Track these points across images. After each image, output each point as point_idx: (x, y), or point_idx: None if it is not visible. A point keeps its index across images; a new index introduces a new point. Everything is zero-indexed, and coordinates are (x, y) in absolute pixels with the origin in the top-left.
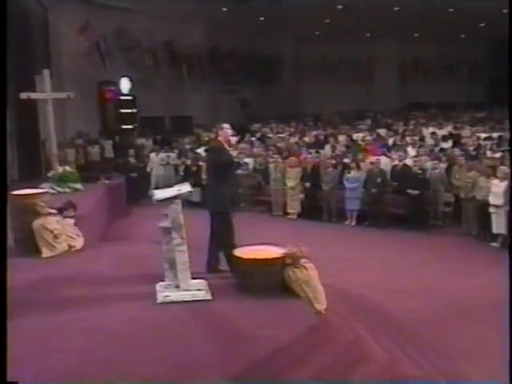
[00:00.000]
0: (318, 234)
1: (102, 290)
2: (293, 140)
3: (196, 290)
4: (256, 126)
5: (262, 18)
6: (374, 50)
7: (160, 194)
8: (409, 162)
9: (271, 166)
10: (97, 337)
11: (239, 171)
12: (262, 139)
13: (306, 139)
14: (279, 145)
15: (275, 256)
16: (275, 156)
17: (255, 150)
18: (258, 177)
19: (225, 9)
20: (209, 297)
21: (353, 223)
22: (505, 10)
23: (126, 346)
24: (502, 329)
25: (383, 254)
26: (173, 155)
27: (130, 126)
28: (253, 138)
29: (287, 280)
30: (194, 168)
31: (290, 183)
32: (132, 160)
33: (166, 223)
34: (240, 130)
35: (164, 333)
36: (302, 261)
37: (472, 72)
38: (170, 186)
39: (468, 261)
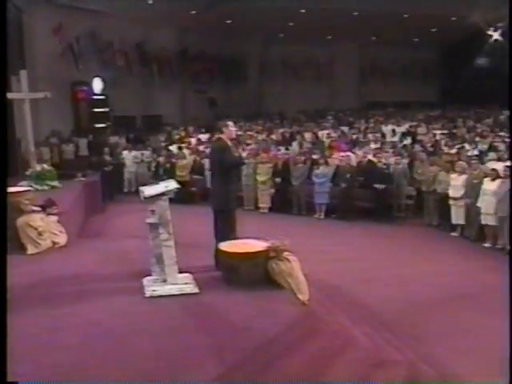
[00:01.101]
0: (289, 226)
1: (90, 286)
2: (261, 137)
3: (183, 283)
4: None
5: (229, 21)
6: (334, 52)
7: (148, 190)
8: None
9: None
10: (90, 332)
11: None
12: None
13: (274, 137)
14: (248, 142)
15: (259, 249)
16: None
17: None
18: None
19: (194, 12)
20: (196, 290)
21: (321, 216)
22: (453, 18)
23: (121, 340)
24: (474, 313)
25: (354, 246)
26: (147, 153)
27: (102, 125)
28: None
29: (271, 272)
30: (168, 165)
31: (261, 178)
32: (107, 158)
33: (153, 219)
34: (209, 128)
35: (157, 326)
36: (285, 254)
37: (425, 73)
38: (147, 183)
39: (432, 250)
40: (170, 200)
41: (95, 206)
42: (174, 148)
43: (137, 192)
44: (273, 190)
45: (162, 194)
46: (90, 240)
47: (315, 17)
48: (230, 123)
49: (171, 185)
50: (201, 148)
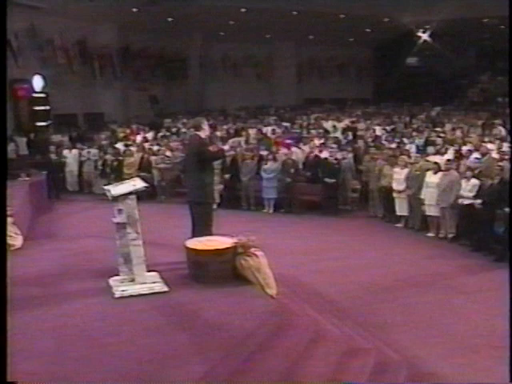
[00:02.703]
0: (238, 222)
1: (56, 288)
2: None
3: (152, 282)
4: (167, 121)
5: (170, 19)
6: (273, 50)
7: (115, 189)
8: (325, 153)
9: None
10: (64, 336)
11: (162, 165)
12: (177, 134)
13: (218, 133)
14: None
15: (228, 246)
16: None
17: (173, 144)
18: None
19: (135, 9)
20: (166, 288)
21: (270, 211)
22: (386, 19)
23: (99, 343)
24: (427, 299)
25: (304, 238)
26: (93, 151)
27: (43, 123)
28: (168, 133)
29: (239, 268)
30: (115, 163)
31: None
32: (53, 156)
33: (120, 218)
34: (153, 126)
35: (133, 327)
36: (253, 249)
37: (359, 71)
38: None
39: (380, 240)
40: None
41: (42, 206)
42: (120, 146)
43: (82, 191)
44: (221, 186)
45: (130, 192)
46: (46, 241)
47: (255, 16)
48: (206, 122)
49: (139, 183)
50: (147, 145)
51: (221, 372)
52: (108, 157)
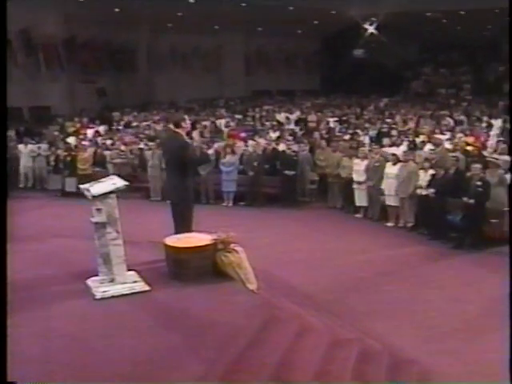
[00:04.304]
0: (198, 216)
1: (33, 292)
2: (158, 127)
3: (132, 282)
4: (116, 114)
5: (117, 10)
6: (221, 42)
7: (95, 189)
8: (282, 146)
9: (148, 153)
10: (49, 341)
11: (118, 160)
12: (128, 127)
13: (171, 126)
14: (147, 132)
15: (208, 243)
16: (150, 143)
17: (127, 138)
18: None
19: None
20: (147, 288)
21: (230, 204)
22: (333, 11)
23: (89, 346)
24: (397, 287)
25: (267, 231)
26: (44, 146)
27: None
28: (120, 127)
29: (220, 264)
30: (69, 158)
31: None
32: None
33: (99, 218)
34: (104, 119)
35: (121, 329)
36: (232, 245)
37: (308, 63)
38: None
39: (342, 231)
40: (72, 194)
41: None
42: (71, 140)
43: (34, 187)
44: None
45: (111, 191)
46: (15, 242)
47: (203, 7)
48: (186, 117)
49: (119, 182)
50: (99, 140)
51: (220, 370)
52: (60, 152)
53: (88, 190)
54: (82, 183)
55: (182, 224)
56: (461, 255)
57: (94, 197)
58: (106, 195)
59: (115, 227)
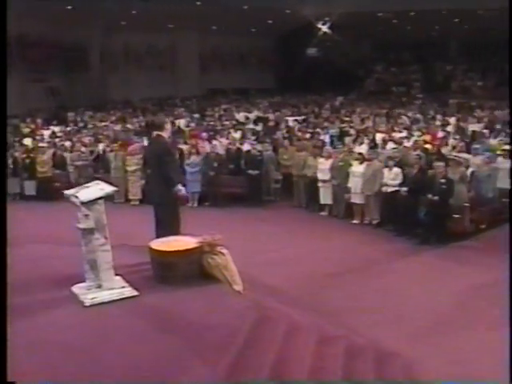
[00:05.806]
0: None
1: (19, 300)
2: (116, 128)
3: (120, 287)
4: (70, 114)
5: (69, 7)
6: (176, 41)
7: (83, 194)
8: (246, 146)
9: (110, 154)
10: (41, 351)
11: (79, 162)
12: (85, 128)
13: (130, 126)
14: (106, 133)
15: (195, 246)
16: (113, 145)
17: (87, 139)
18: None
19: None
20: (135, 293)
21: (195, 205)
22: (288, 11)
23: (87, 356)
24: (368, 284)
25: (236, 231)
26: None
27: None
28: (76, 127)
29: (207, 266)
30: (28, 161)
31: (131, 169)
32: None
33: (86, 224)
34: (59, 120)
35: (118, 336)
36: (218, 247)
37: (262, 62)
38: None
39: (308, 229)
40: (31, 197)
41: None
42: (28, 142)
43: None
44: (143, 182)
45: (99, 197)
46: None
47: (158, 5)
48: (168, 120)
49: (107, 187)
50: (57, 141)
51: (224, 371)
52: (17, 154)
53: (76, 197)
54: (43, 186)
55: (169, 227)
56: (427, 250)
57: (82, 203)
58: (94, 201)
59: (103, 233)
